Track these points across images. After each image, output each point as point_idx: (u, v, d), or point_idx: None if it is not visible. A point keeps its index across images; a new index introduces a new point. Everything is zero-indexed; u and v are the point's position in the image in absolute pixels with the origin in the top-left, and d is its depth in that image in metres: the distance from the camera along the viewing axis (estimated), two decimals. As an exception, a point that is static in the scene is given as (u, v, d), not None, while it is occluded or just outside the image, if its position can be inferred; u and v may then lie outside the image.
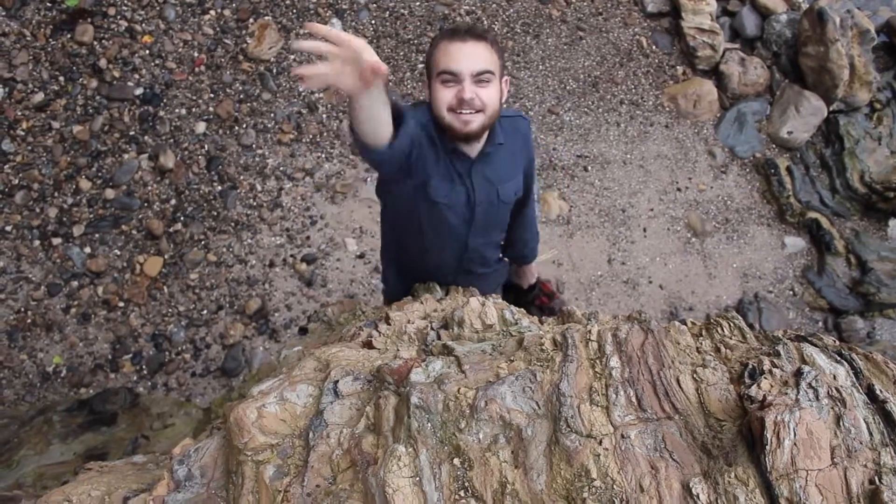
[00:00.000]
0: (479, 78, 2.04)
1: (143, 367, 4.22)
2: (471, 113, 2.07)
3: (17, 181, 4.55)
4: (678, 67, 6.11)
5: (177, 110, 5.00)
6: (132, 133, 4.86)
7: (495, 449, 1.40)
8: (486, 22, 5.93)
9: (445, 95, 2.06)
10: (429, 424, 1.44)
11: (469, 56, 2.02)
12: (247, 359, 4.29)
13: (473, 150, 2.24)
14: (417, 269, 2.64)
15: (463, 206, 2.34)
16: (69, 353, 4.20)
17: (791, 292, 5.37)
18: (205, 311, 4.43)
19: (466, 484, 1.37)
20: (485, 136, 2.22)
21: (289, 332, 4.41)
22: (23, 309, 4.27)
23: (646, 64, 6.09)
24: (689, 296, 5.16)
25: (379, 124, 1.84)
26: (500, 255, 2.83)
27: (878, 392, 1.41)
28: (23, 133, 4.68)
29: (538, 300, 3.03)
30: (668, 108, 5.93)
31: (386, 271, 2.94)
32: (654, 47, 6.17)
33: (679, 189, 5.60)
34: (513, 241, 2.87)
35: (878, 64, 6.01)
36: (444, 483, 1.37)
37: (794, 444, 1.25)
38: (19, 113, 4.71)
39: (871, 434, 1.33)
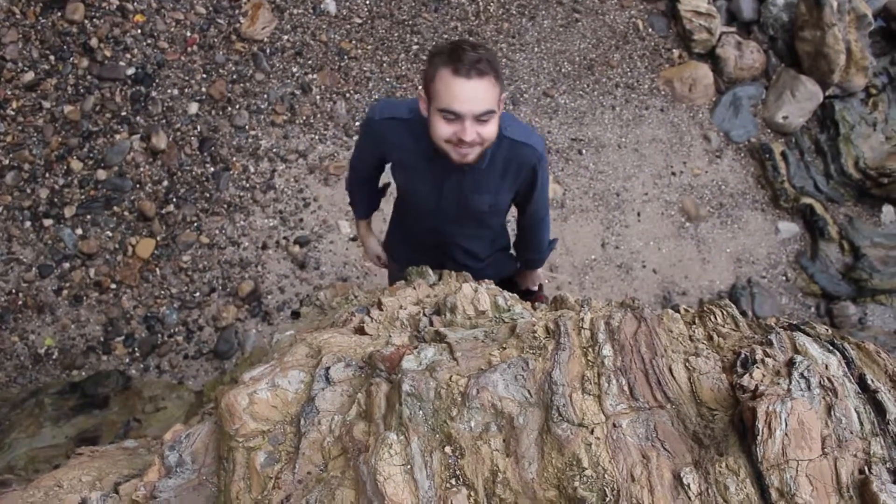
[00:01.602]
0: (481, 118, 2.03)
1: (136, 349, 4.21)
2: (469, 147, 2.08)
3: (7, 161, 4.52)
4: (674, 51, 6.08)
5: (169, 91, 4.96)
6: (124, 113, 4.81)
7: (487, 437, 1.40)
8: (481, 4, 5.89)
9: (445, 130, 2.06)
10: (420, 412, 1.43)
11: (472, 97, 1.99)
12: (239, 341, 4.28)
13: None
14: (413, 237, 2.71)
15: (427, 197, 2.41)
16: (61, 335, 4.19)
17: (784, 278, 5.38)
18: (197, 294, 4.42)
19: (458, 472, 1.37)
20: None
21: (282, 314, 4.40)
22: (14, 290, 4.25)
23: (642, 47, 6.06)
24: (682, 280, 5.17)
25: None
26: (493, 250, 2.85)
27: (869, 382, 1.41)
28: (13, 113, 4.63)
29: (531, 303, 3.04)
30: (663, 92, 5.91)
31: (390, 230, 3.00)
32: (650, 30, 6.13)
33: (674, 173, 5.59)
34: (518, 243, 2.91)
35: (875, 49, 5.99)
36: (436, 471, 1.37)
37: (786, 434, 1.25)
38: (9, 92, 4.67)
39: (861, 424, 1.33)
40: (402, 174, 2.41)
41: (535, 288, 3.07)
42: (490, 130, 2.08)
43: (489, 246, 2.76)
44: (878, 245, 5.38)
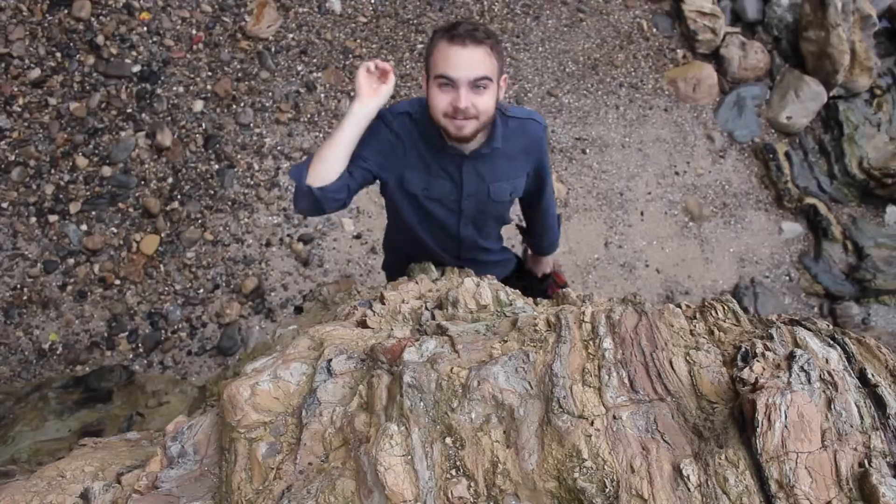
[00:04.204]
0: (476, 84, 2.04)
1: (139, 345, 4.22)
2: (465, 119, 2.09)
3: (13, 157, 4.54)
4: (678, 51, 6.08)
5: (174, 88, 4.97)
6: (129, 111, 4.83)
7: (487, 429, 1.40)
8: (486, 3, 5.89)
9: (441, 102, 2.08)
10: (421, 403, 1.44)
11: (467, 63, 2.01)
12: (243, 338, 4.29)
13: (466, 147, 2.26)
14: (418, 258, 2.66)
15: (448, 198, 2.37)
16: (65, 330, 4.20)
17: (787, 277, 5.37)
18: (201, 290, 4.43)
19: (458, 463, 1.38)
20: (480, 136, 2.23)
21: (285, 311, 4.41)
22: (19, 286, 4.27)
23: (646, 47, 6.06)
24: (685, 280, 5.17)
25: (340, 160, 2.15)
26: (502, 245, 2.86)
27: (869, 376, 1.41)
28: (19, 109, 4.65)
29: (551, 289, 3.04)
30: (667, 92, 5.91)
31: (387, 259, 2.98)
32: (654, 30, 6.14)
33: (677, 173, 5.59)
34: (532, 233, 2.91)
35: (879, 49, 5.98)
36: (436, 462, 1.37)
37: (785, 426, 1.25)
38: (16, 89, 4.68)
39: (861, 418, 1.33)
40: (417, 179, 2.34)
41: (549, 271, 3.09)
42: (485, 102, 2.08)
43: (498, 239, 2.77)
44: (882, 245, 5.38)
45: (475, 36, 2.01)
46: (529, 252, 3.09)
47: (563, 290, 2.08)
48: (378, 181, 2.35)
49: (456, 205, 2.40)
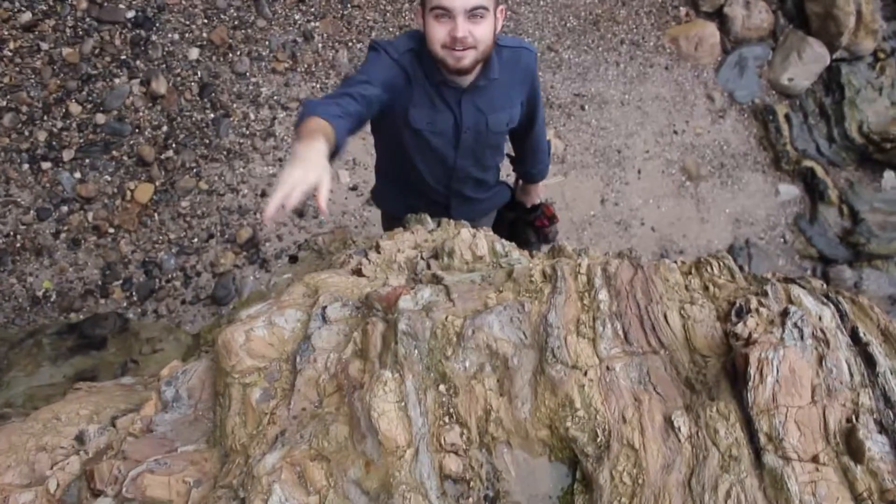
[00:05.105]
0: (473, 13, 2.04)
1: (134, 293, 4.22)
2: (463, 49, 2.08)
3: (4, 103, 4.48)
4: (681, 8, 6.00)
5: (169, 35, 4.89)
6: (123, 57, 4.76)
7: (481, 377, 1.41)
8: (487, -46, 5.79)
9: (439, 33, 2.08)
10: (416, 351, 1.45)
11: None
12: (237, 287, 4.30)
13: (465, 80, 2.26)
14: (410, 188, 2.68)
15: (449, 131, 2.39)
16: (59, 277, 4.20)
17: (782, 240, 5.39)
18: (195, 240, 4.42)
19: (451, 410, 1.39)
20: (478, 68, 2.23)
21: (279, 261, 4.41)
22: (12, 233, 4.25)
23: (648, 4, 5.97)
24: (680, 239, 5.17)
25: None
26: (498, 179, 2.86)
27: (861, 335, 1.42)
28: (10, 54, 4.58)
29: (538, 220, 3.06)
30: (668, 50, 5.84)
31: (380, 186, 2.96)
32: (657, -14, 6.05)
33: (676, 132, 5.55)
34: (523, 160, 2.91)
35: (886, 12, 5.91)
36: (429, 409, 1.38)
37: (777, 381, 1.27)
38: (6, 33, 4.60)
39: (851, 375, 1.34)
40: (422, 114, 2.33)
41: (538, 202, 3.10)
42: (483, 31, 2.08)
43: (496, 173, 2.77)
44: (878, 210, 5.38)
45: None
46: (520, 182, 3.10)
47: (559, 244, 2.07)
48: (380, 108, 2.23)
49: (455, 138, 2.41)
